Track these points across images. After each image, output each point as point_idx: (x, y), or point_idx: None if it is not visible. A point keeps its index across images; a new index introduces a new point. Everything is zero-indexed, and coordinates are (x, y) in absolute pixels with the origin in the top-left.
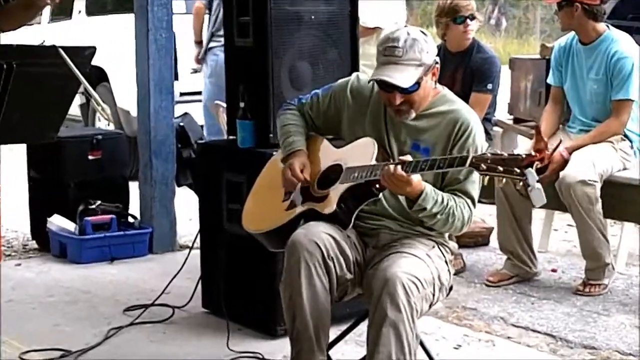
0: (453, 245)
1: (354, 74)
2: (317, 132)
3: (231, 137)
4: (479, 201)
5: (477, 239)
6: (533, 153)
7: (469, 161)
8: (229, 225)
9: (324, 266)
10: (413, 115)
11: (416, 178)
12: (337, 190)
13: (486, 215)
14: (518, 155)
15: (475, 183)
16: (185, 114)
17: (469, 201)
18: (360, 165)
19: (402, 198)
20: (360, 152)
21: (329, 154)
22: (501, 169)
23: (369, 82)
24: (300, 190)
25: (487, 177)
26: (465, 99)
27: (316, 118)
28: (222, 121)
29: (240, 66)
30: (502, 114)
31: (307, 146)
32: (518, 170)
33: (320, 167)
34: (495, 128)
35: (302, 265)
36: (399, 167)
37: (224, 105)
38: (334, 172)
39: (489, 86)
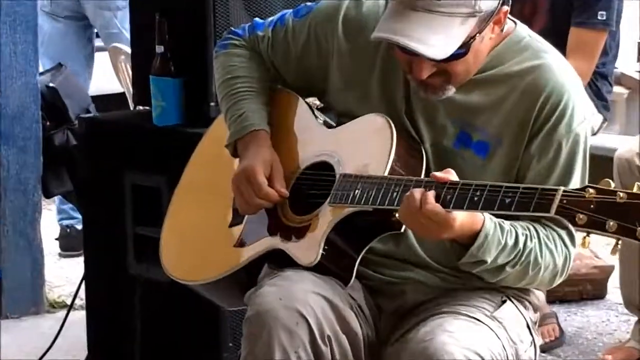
0: (539, 298)
1: None
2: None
3: (141, 107)
4: None
5: (584, 288)
6: None
7: (555, 202)
8: (138, 267)
9: (313, 354)
10: (452, 91)
11: (462, 215)
12: (324, 218)
13: (601, 246)
14: None
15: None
16: (59, 66)
17: (564, 234)
18: (366, 176)
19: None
20: (365, 143)
21: (310, 134)
22: (613, 224)
23: (372, 38)
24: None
25: (588, 237)
26: (560, 39)
27: (282, 66)
28: (125, 79)
29: None
30: (628, 64)
31: (271, 115)
32: None
33: (295, 162)
34: (617, 89)
35: (275, 353)
36: (431, 193)
37: (128, 49)
38: (318, 178)
39: (602, 15)
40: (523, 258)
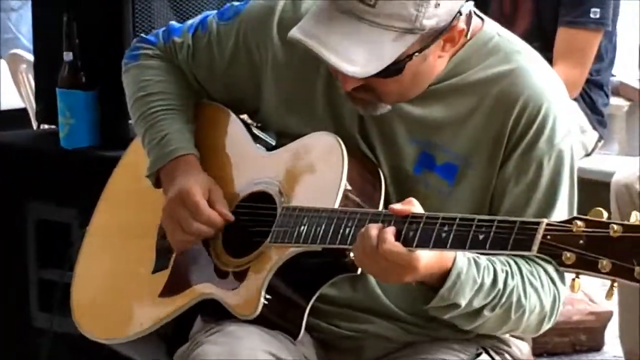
0: (522, 350)
1: None
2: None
3: (46, 126)
4: None
5: (577, 338)
6: None
7: (538, 238)
8: (44, 318)
9: None
10: (386, 108)
11: (427, 255)
12: (265, 261)
13: (595, 287)
14: None
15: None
16: None
17: (551, 269)
18: (314, 209)
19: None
20: (311, 168)
21: (246, 158)
22: (606, 263)
23: (287, 38)
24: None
25: (577, 278)
26: (546, 41)
27: (207, 79)
28: (26, 92)
29: None
30: (628, 72)
31: (197, 136)
32: None
33: (229, 193)
34: (615, 101)
35: None
36: (390, 229)
37: (30, 57)
38: (257, 212)
39: (596, 13)
40: (504, 299)
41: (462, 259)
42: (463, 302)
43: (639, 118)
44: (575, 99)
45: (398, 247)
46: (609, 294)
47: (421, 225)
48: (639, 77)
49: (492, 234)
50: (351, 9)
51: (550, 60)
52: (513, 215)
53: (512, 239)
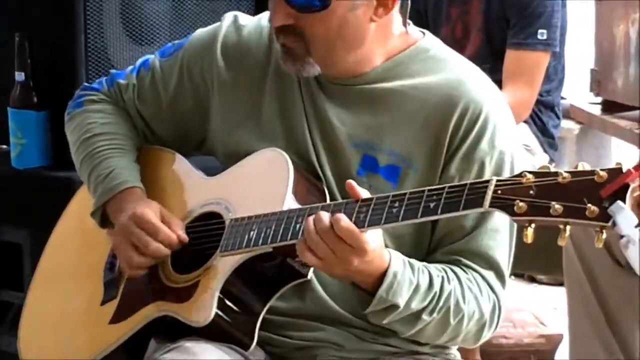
0: None
1: (229, 15)
2: (159, 144)
3: None
4: (530, 278)
5: None
6: (631, 169)
7: (489, 194)
8: None
9: None
10: (314, 68)
11: (376, 239)
12: (216, 272)
13: (546, 309)
14: (593, 172)
15: (500, 234)
16: None
17: (490, 276)
18: (262, 215)
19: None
20: (257, 182)
21: (190, 187)
22: (558, 206)
23: None
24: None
25: (530, 227)
26: (496, 61)
27: (153, 116)
28: None
29: None
30: (578, 93)
31: (141, 176)
32: (593, 208)
33: (179, 216)
34: (566, 124)
35: None
36: (342, 214)
37: None
38: (204, 229)
39: (543, 34)
40: (442, 303)
41: (397, 260)
42: (401, 303)
43: (590, 140)
44: (525, 121)
45: (351, 225)
46: (561, 238)
47: (371, 206)
48: (590, 101)
49: (442, 200)
50: None
51: (499, 82)
52: (454, 217)
53: (463, 199)
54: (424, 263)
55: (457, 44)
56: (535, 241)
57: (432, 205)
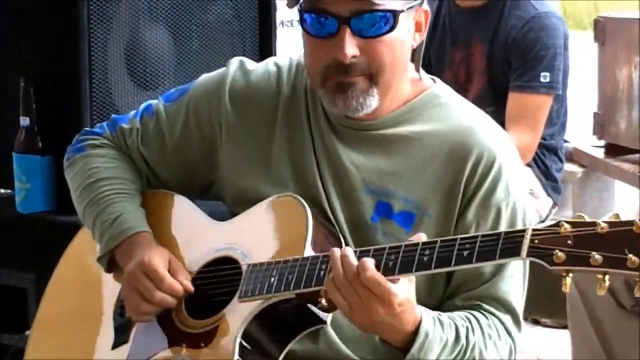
0: None
1: (235, 60)
2: (163, 188)
3: (2, 190)
4: (534, 321)
5: None
6: None
7: (525, 244)
8: None
9: None
10: (375, 101)
11: (404, 292)
12: (235, 317)
13: (550, 352)
14: (632, 222)
15: (516, 279)
16: None
17: (507, 320)
18: (282, 260)
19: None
20: (274, 228)
21: (201, 231)
22: (598, 257)
23: (301, 16)
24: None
25: (568, 277)
26: (499, 104)
27: (157, 161)
28: None
29: (19, 38)
30: (581, 137)
31: (149, 219)
32: (634, 258)
33: (188, 265)
34: (569, 167)
35: None
36: (371, 260)
37: None
38: (219, 275)
39: (545, 77)
40: (467, 355)
41: (428, 317)
42: (431, 359)
43: (593, 184)
44: (528, 165)
45: (379, 275)
46: (601, 288)
47: (400, 253)
48: (593, 144)
49: (476, 249)
50: None
51: (502, 124)
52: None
53: (499, 249)
54: (450, 314)
55: (460, 87)
56: (539, 284)
57: (465, 253)
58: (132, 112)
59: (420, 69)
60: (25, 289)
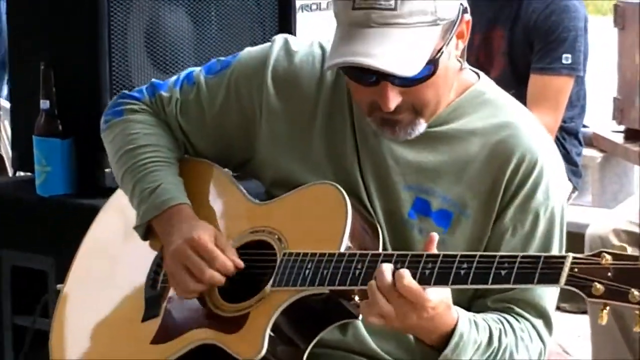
0: None
1: (280, 38)
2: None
3: (22, 173)
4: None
5: None
6: None
7: (565, 271)
8: None
9: None
10: (423, 127)
11: (438, 296)
12: (267, 306)
13: (570, 337)
14: None
15: None
16: None
17: (539, 325)
18: (318, 253)
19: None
20: (313, 217)
21: (239, 209)
22: (637, 294)
23: (326, 68)
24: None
25: (605, 310)
26: (520, 86)
27: (195, 132)
28: (3, 139)
29: (38, 21)
30: (601, 122)
31: (187, 188)
32: None
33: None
34: (589, 152)
35: None
36: (407, 270)
37: (6, 104)
38: (255, 259)
39: (567, 58)
40: (499, 357)
41: (464, 319)
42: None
43: (612, 169)
44: None
45: (415, 284)
46: (637, 325)
47: (438, 264)
48: (613, 129)
49: (515, 269)
50: (372, 19)
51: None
52: None
53: (537, 273)
54: (484, 316)
55: (481, 68)
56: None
57: (503, 273)
58: (172, 79)
59: (465, 63)
60: (45, 272)
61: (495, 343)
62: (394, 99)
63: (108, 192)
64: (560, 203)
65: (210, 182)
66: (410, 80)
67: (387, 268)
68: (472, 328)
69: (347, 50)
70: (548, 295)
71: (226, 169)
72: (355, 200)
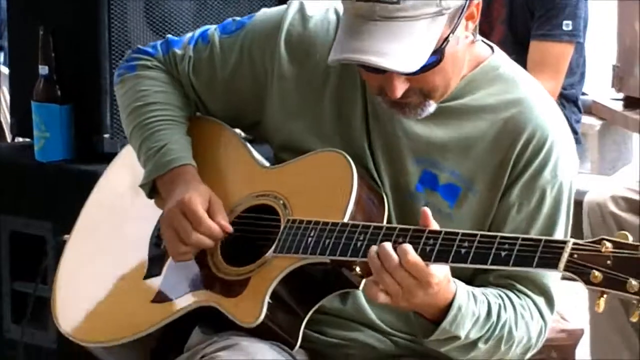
0: None
1: (295, 3)
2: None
3: (20, 139)
4: None
5: (548, 356)
6: None
7: (564, 257)
8: (17, 330)
9: None
10: (433, 107)
11: (441, 271)
12: (267, 272)
13: (567, 304)
14: None
15: None
16: None
17: (540, 302)
18: (322, 222)
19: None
20: (319, 184)
21: (246, 172)
22: (635, 283)
23: (329, 62)
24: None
25: (602, 298)
26: (520, 53)
27: (206, 91)
28: (1, 105)
29: None
30: (600, 90)
31: (194, 150)
32: None
33: (228, 205)
34: (588, 120)
35: None
36: (409, 245)
37: (5, 70)
38: (258, 223)
39: (568, 25)
40: (497, 332)
41: (463, 291)
42: (463, 334)
43: (611, 136)
44: None
45: (418, 259)
46: (633, 315)
47: (439, 240)
48: (612, 97)
49: (515, 251)
50: (377, 12)
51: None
52: None
53: (537, 256)
54: (483, 290)
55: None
56: None
57: (503, 254)
58: (187, 36)
59: (478, 36)
60: (43, 237)
61: (494, 317)
62: (400, 87)
63: (107, 157)
64: (568, 183)
65: (219, 143)
66: (417, 71)
67: (390, 249)
68: (470, 300)
69: (351, 46)
70: (552, 275)
71: (237, 130)
72: (362, 170)
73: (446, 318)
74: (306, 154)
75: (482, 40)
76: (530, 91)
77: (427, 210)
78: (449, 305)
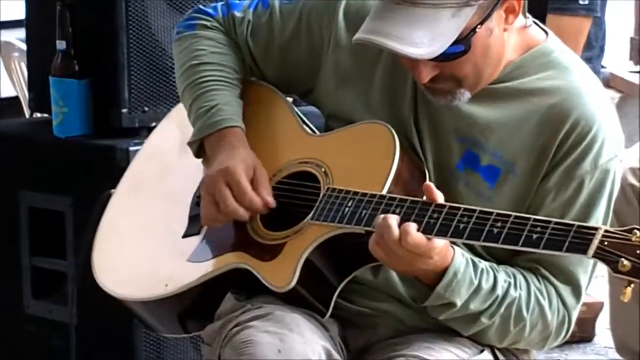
0: (530, 356)
1: None
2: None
3: (38, 114)
4: None
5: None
6: None
7: (594, 243)
8: (38, 305)
9: None
10: (467, 96)
11: (442, 241)
12: (303, 238)
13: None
14: None
15: None
16: None
17: (565, 291)
18: (360, 193)
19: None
20: (361, 155)
21: (292, 138)
22: None
23: (353, 41)
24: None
25: (629, 287)
26: None
27: (262, 56)
28: (19, 80)
29: None
30: (620, 63)
31: (244, 112)
32: None
33: (272, 169)
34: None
35: None
36: (410, 225)
37: (22, 45)
38: (299, 190)
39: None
40: (502, 309)
41: (461, 258)
42: (459, 302)
43: (630, 109)
44: None
45: (420, 237)
46: None
47: (473, 219)
48: (630, 69)
49: (547, 235)
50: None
51: None
52: None
53: (567, 241)
54: (493, 265)
55: None
56: None
57: (534, 237)
58: (247, 1)
59: (531, 18)
60: (62, 213)
61: (499, 292)
62: (427, 72)
63: (125, 132)
64: (611, 175)
65: (269, 108)
66: (442, 56)
67: (393, 222)
68: (468, 267)
69: (373, 28)
70: (580, 263)
71: (287, 97)
72: (406, 144)
73: (441, 282)
74: (352, 124)
75: (537, 25)
76: (581, 80)
77: (431, 184)
78: (447, 268)
